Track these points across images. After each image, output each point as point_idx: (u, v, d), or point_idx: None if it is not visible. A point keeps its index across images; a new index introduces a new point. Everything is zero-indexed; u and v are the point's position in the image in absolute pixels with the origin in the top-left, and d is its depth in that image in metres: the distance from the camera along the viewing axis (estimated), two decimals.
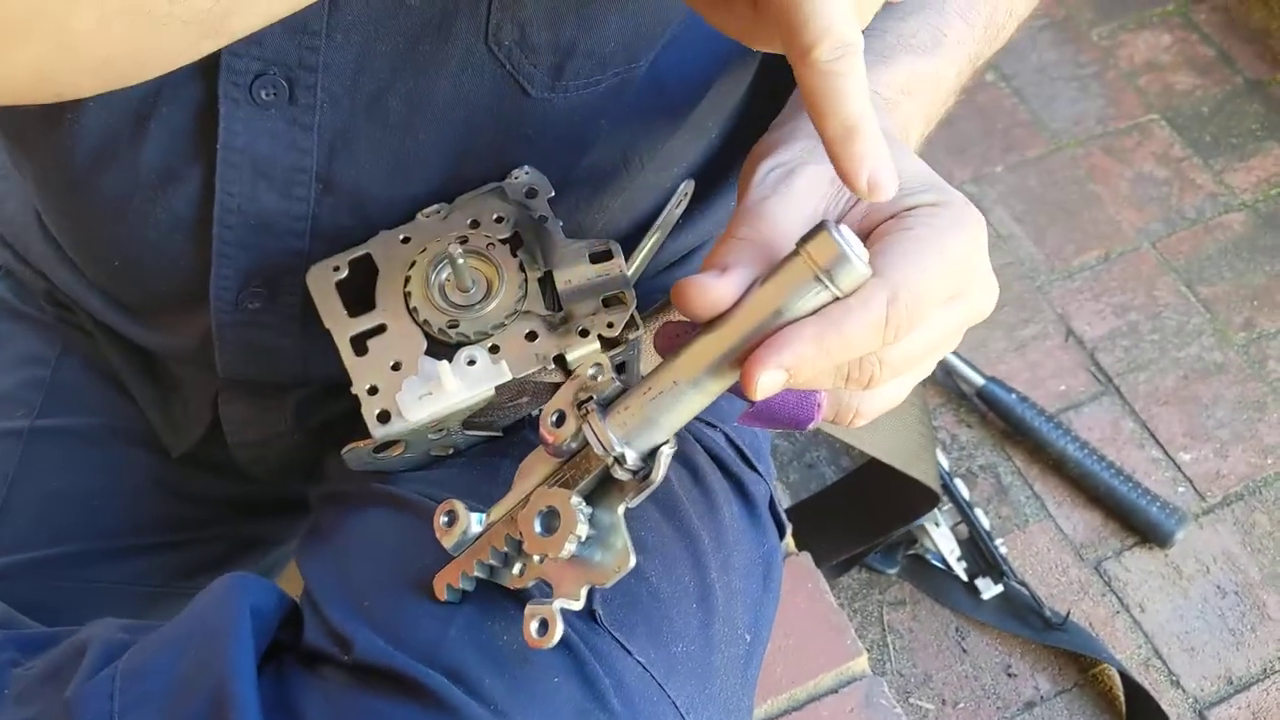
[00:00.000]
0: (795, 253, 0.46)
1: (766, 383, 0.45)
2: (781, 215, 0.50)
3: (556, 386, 0.66)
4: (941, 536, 1.25)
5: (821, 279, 0.45)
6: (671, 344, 0.54)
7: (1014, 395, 1.39)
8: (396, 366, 0.62)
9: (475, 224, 0.65)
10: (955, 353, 1.43)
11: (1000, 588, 1.26)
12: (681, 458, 0.68)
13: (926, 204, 0.48)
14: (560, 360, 0.63)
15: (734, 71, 0.72)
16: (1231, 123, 1.76)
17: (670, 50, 0.65)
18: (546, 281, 0.65)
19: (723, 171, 0.78)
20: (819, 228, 0.45)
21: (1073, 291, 1.57)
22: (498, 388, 0.62)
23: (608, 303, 0.64)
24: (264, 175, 0.62)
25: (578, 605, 0.53)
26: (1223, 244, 1.63)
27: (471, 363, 0.62)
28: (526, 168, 0.67)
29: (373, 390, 0.62)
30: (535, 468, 0.56)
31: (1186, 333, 1.53)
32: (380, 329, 0.64)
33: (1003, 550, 1.29)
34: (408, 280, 0.64)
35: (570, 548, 0.53)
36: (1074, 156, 1.72)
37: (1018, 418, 1.38)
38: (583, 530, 0.52)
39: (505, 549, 0.55)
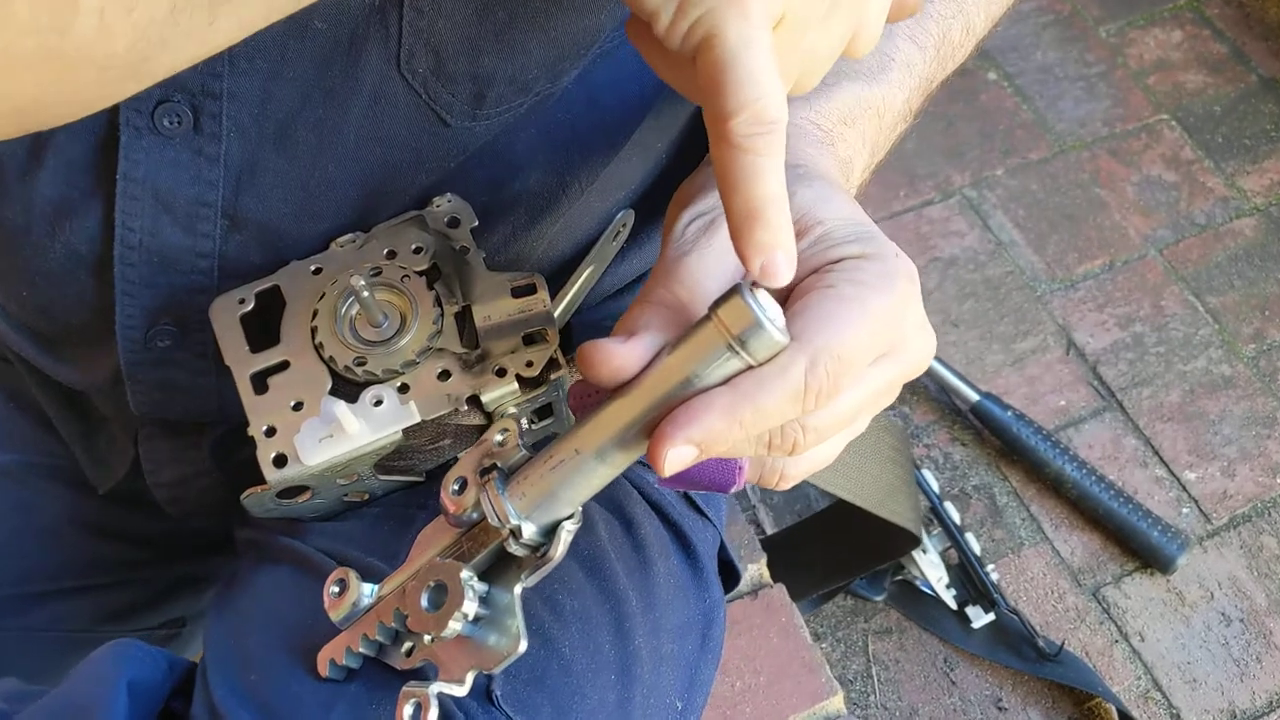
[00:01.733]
0: (707, 318, 0.42)
1: (675, 459, 0.42)
2: (699, 274, 0.46)
3: (481, 429, 0.61)
4: (929, 563, 1.20)
5: (734, 347, 0.42)
6: (582, 403, 0.50)
7: (1010, 412, 1.34)
8: (298, 406, 0.58)
9: (392, 254, 0.61)
10: (949, 367, 1.38)
11: (991, 616, 1.21)
12: (613, 506, 0.63)
13: (852, 256, 0.45)
14: (475, 401, 0.58)
15: (676, 97, 0.67)
16: (1245, 123, 1.70)
17: (603, 66, 0.60)
18: (465, 317, 0.60)
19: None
20: (732, 292, 0.41)
21: (1075, 302, 1.51)
22: (406, 430, 0.58)
23: (529, 340, 0.59)
24: (167, 209, 0.58)
25: (461, 690, 0.49)
26: (1233, 251, 1.56)
27: (378, 403, 0.58)
28: (449, 196, 0.63)
29: (270, 431, 0.58)
30: (435, 538, 0.52)
31: (1194, 345, 1.47)
32: (283, 365, 0.60)
33: (994, 577, 1.23)
34: (315, 314, 0.60)
35: (456, 627, 0.49)
36: (1079, 159, 1.66)
37: (1013, 435, 1.32)
38: (470, 608, 0.49)
39: (394, 625, 0.51)
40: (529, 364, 0.58)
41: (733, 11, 0.39)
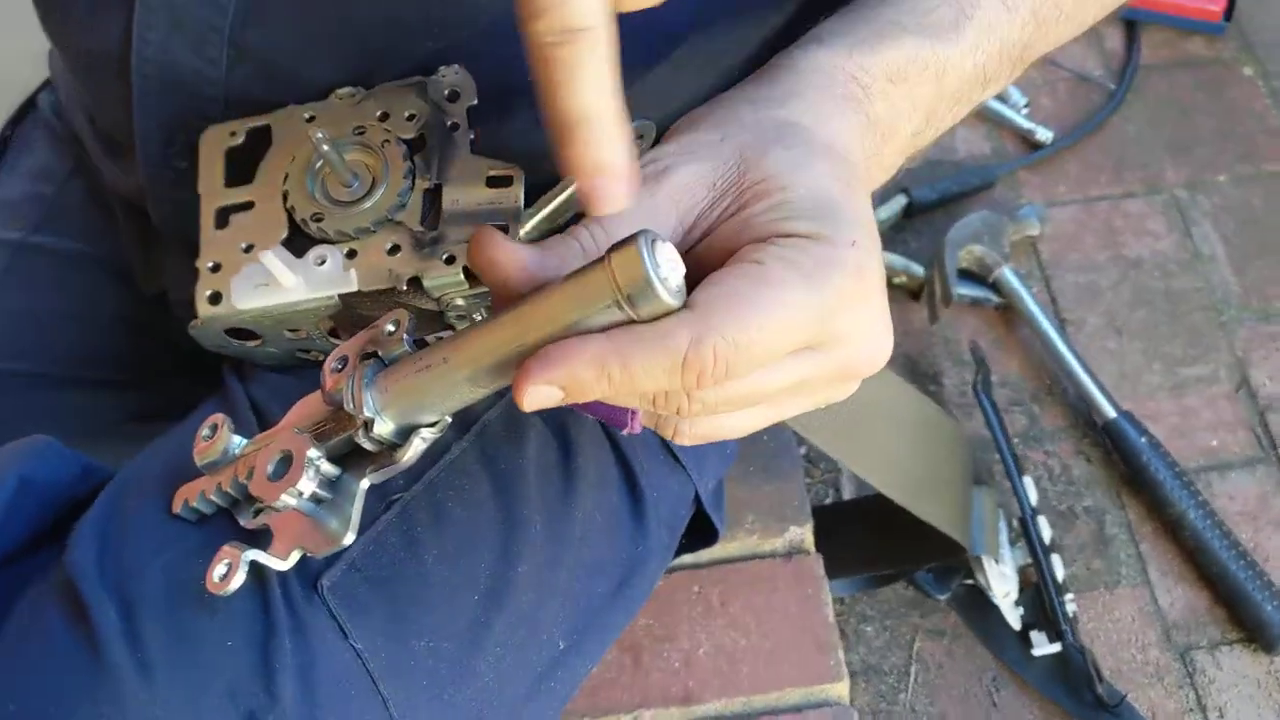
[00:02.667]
0: (600, 260, 0.40)
1: (535, 397, 0.40)
2: (628, 225, 0.42)
3: (438, 316, 0.59)
4: (999, 575, 1.11)
5: (619, 298, 0.39)
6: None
7: (1145, 439, 1.21)
8: (249, 249, 0.58)
9: (385, 116, 0.59)
10: (1094, 376, 1.26)
11: (1057, 647, 1.11)
12: (556, 426, 0.60)
13: (801, 235, 0.41)
14: (416, 283, 0.56)
15: (756, 14, 0.62)
16: None
17: None
18: (433, 196, 0.58)
19: None
20: (630, 240, 0.39)
21: (1262, 337, 1.35)
22: (345, 298, 0.57)
23: None
24: (178, 26, 0.59)
25: (279, 565, 0.48)
26: None
27: (321, 262, 0.57)
28: (456, 68, 0.60)
29: (215, 267, 0.58)
30: (309, 409, 0.51)
31: None
32: (248, 205, 0.59)
33: (1071, 608, 1.13)
34: (292, 160, 0.59)
35: (289, 501, 0.47)
36: None
37: (1143, 464, 1.20)
38: (306, 487, 0.47)
39: (245, 481, 0.50)
40: None
41: None
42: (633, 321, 0.40)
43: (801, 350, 0.42)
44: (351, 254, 0.56)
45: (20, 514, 0.54)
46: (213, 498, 0.51)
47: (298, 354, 0.62)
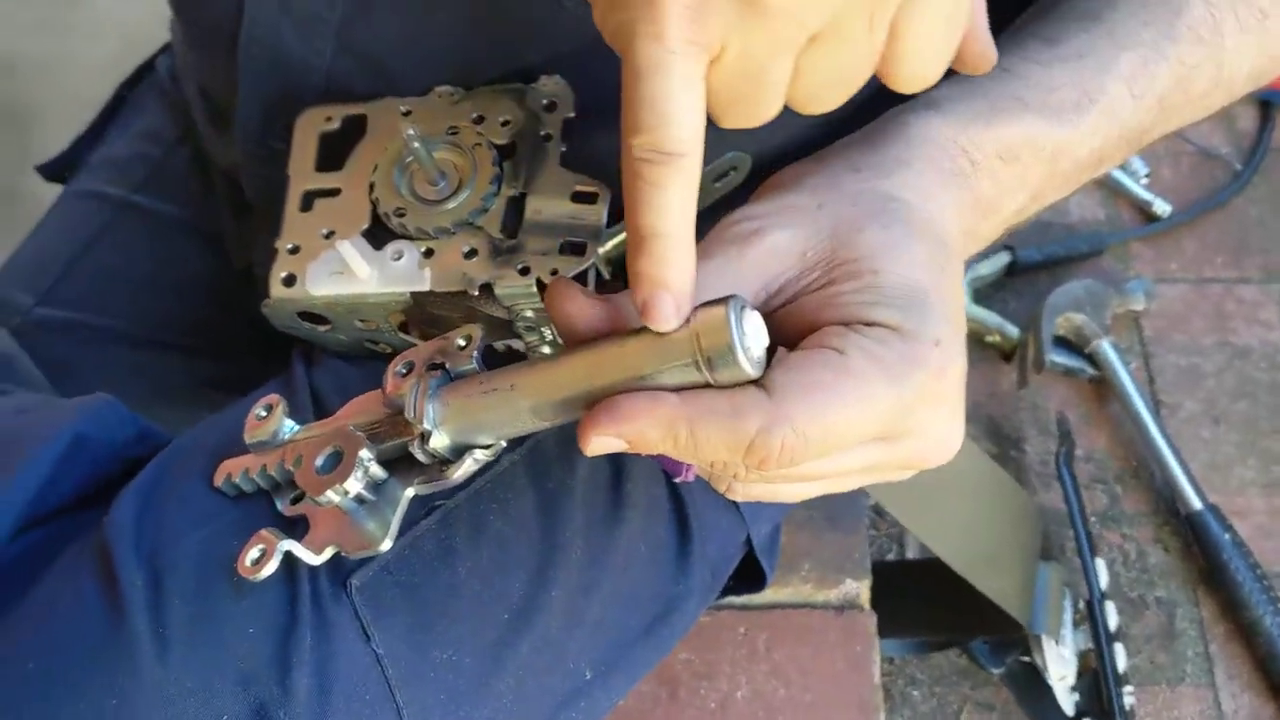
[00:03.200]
0: (686, 320, 0.40)
1: (599, 445, 0.41)
2: (714, 280, 0.42)
3: (507, 325, 0.59)
4: (1058, 657, 1.07)
5: (699, 360, 0.40)
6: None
7: (1229, 535, 1.16)
8: (329, 235, 0.58)
9: (480, 119, 0.59)
10: (1184, 464, 1.21)
11: None
12: (612, 453, 0.59)
13: (886, 325, 0.41)
14: (488, 289, 0.55)
15: None
16: None
17: None
18: (517, 205, 0.57)
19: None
20: (720, 302, 0.39)
21: None
22: (419, 295, 0.56)
23: (567, 249, 0.55)
24: (287, 11, 0.60)
25: (312, 559, 0.47)
26: None
27: (398, 257, 0.56)
28: (557, 77, 0.59)
29: (294, 249, 0.58)
30: (366, 407, 0.51)
31: None
32: (334, 192, 0.59)
33: (1130, 700, 1.08)
34: (384, 152, 0.59)
35: (332, 498, 0.47)
36: None
37: (1223, 561, 1.15)
38: (353, 487, 0.47)
39: (291, 469, 0.50)
40: (554, 272, 0.55)
41: (646, 29, 0.36)
42: (708, 385, 0.40)
43: (867, 441, 0.41)
44: (429, 253, 0.56)
45: (71, 471, 0.54)
46: (255, 477, 0.50)
47: (366, 344, 0.62)
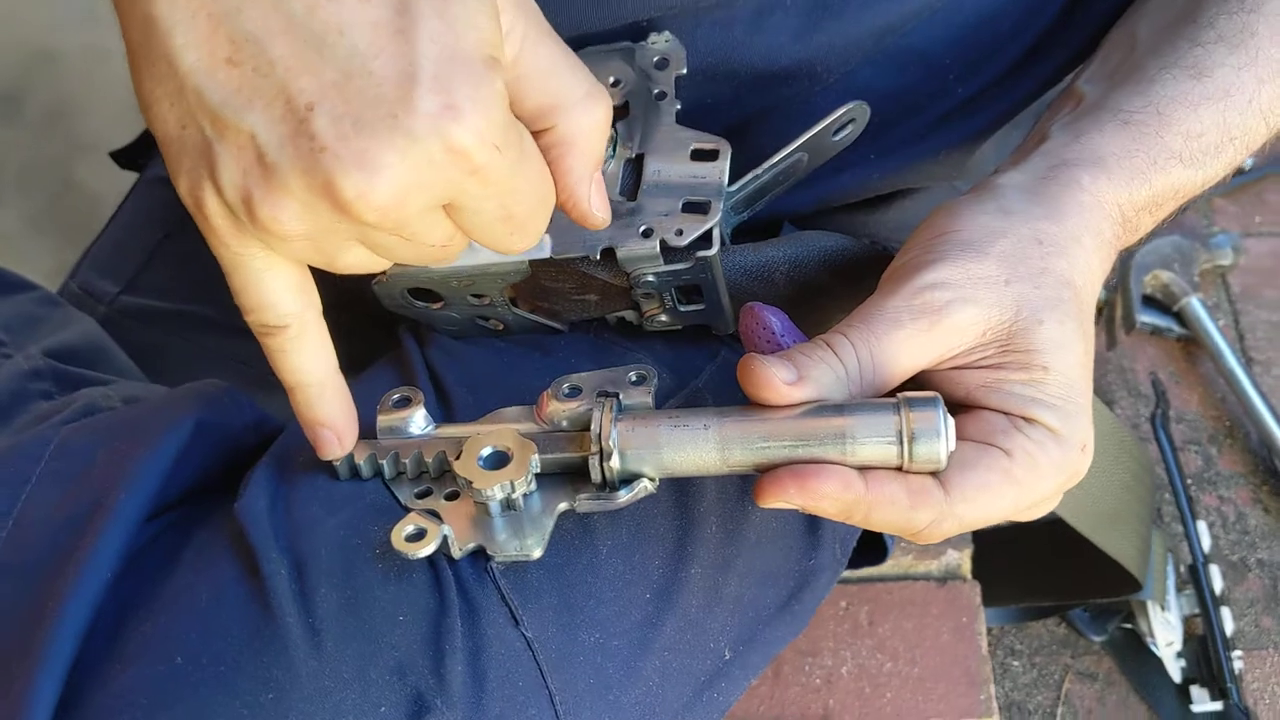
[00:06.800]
0: (893, 407, 0.45)
1: (775, 503, 0.45)
2: (904, 355, 0.46)
3: (625, 293, 0.57)
4: (1164, 623, 1.04)
5: (905, 450, 0.44)
6: (749, 337, 0.50)
7: None
8: None
9: None
10: (1277, 416, 1.17)
11: (1219, 706, 1.04)
12: None
13: (1045, 426, 0.46)
14: (610, 254, 0.53)
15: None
16: None
17: None
18: (634, 166, 0.55)
19: (953, 116, 0.64)
20: (934, 402, 0.45)
21: None
22: (536, 264, 0.54)
23: (689, 208, 0.53)
24: None
25: (456, 553, 0.46)
26: None
27: None
28: (667, 35, 0.57)
29: None
30: (512, 418, 0.52)
31: None
32: None
33: (1238, 665, 1.05)
34: None
35: (496, 494, 0.47)
36: None
37: None
38: (521, 487, 0.47)
39: (426, 467, 0.50)
40: (679, 232, 0.53)
41: (213, 239, 0.40)
42: (896, 467, 0.45)
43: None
44: None
45: (194, 458, 0.53)
46: (382, 464, 0.49)
47: (477, 320, 0.61)
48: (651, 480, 0.48)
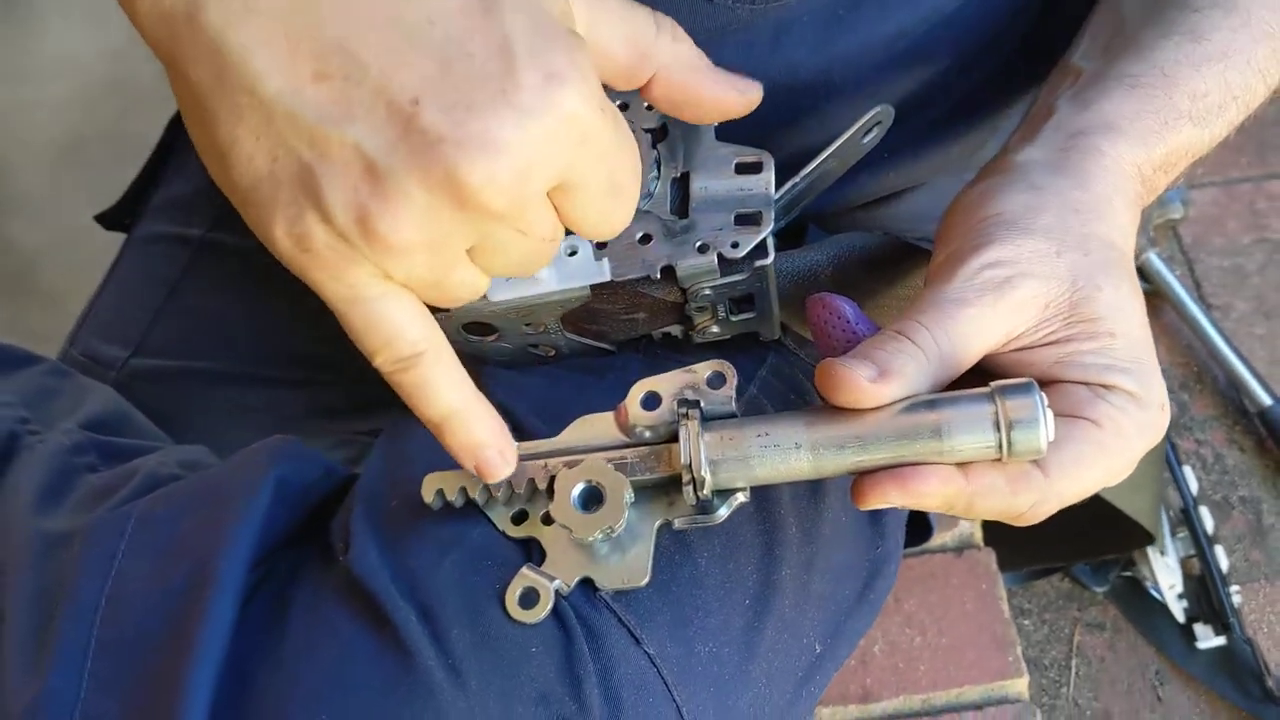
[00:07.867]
0: (987, 397, 0.44)
1: (876, 504, 0.45)
2: (975, 334, 0.46)
3: (677, 308, 0.58)
4: (1164, 567, 1.08)
5: (1002, 438, 0.43)
6: (822, 328, 0.49)
7: None
8: None
9: (624, 106, 0.58)
10: (1246, 362, 1.23)
11: (1222, 640, 1.09)
12: None
13: (1124, 391, 0.46)
14: (669, 272, 0.55)
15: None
16: None
17: None
18: (682, 184, 0.57)
19: (956, 110, 0.66)
20: (1027, 388, 0.43)
21: None
22: (595, 289, 0.55)
23: (741, 220, 0.55)
24: None
25: (566, 590, 0.48)
26: None
27: (572, 253, 0.55)
28: None
29: None
30: (596, 430, 0.51)
31: None
32: None
33: (1236, 599, 1.10)
34: None
35: (597, 538, 0.48)
36: None
37: None
38: (620, 527, 0.48)
39: (520, 490, 0.50)
40: (735, 245, 0.54)
41: (324, 275, 0.38)
42: (995, 460, 0.44)
43: None
44: (602, 244, 0.55)
45: (279, 515, 0.53)
46: (474, 495, 0.50)
47: (529, 349, 0.61)
48: (744, 491, 0.48)
